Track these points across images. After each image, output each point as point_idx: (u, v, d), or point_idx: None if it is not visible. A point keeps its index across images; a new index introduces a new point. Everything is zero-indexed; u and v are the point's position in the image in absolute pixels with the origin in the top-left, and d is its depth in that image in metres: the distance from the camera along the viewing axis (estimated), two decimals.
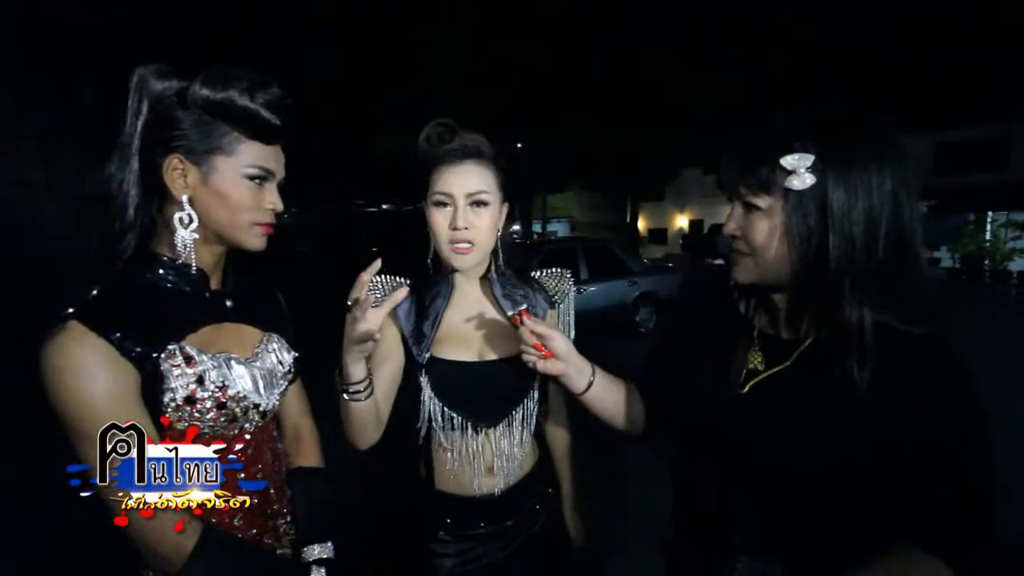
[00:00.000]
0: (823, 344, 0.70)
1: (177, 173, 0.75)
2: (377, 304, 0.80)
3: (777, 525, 0.71)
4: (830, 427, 0.68)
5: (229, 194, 0.76)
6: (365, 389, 0.87)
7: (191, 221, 0.76)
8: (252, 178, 0.78)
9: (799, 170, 0.65)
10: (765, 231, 0.69)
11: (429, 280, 1.03)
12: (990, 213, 14.46)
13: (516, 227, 18.44)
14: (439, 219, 0.96)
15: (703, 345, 0.84)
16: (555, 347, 0.83)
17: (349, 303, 0.79)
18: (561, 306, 1.11)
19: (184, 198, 0.75)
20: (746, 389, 0.76)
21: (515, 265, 1.08)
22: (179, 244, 0.76)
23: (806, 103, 0.71)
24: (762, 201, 0.69)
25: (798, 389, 0.72)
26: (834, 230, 0.65)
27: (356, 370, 0.85)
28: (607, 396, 0.89)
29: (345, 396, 0.88)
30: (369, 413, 0.91)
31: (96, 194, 0.79)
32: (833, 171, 0.65)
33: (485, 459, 1.02)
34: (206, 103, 0.73)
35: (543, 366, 0.84)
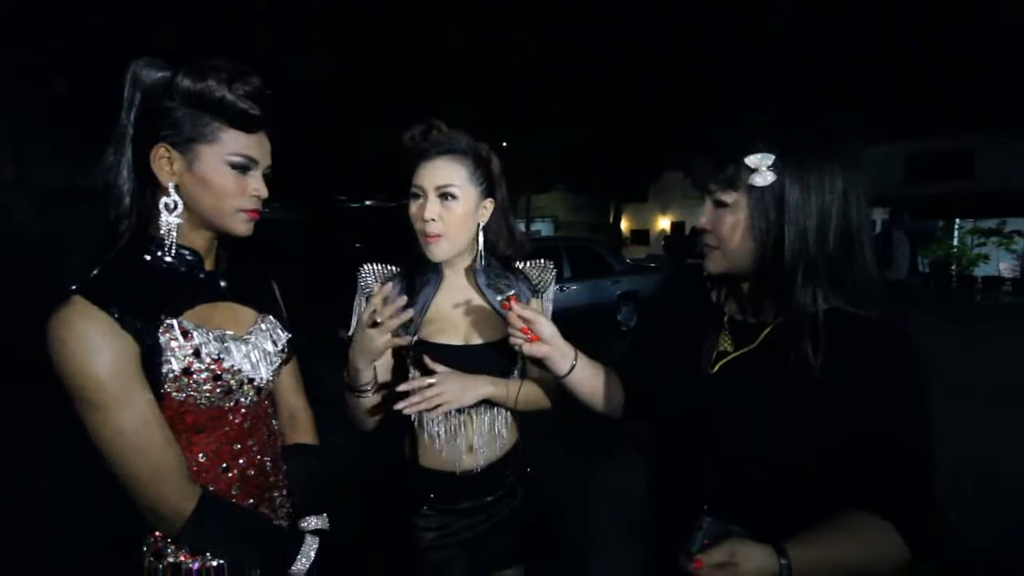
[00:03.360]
0: (784, 327, 0.76)
1: (164, 161, 0.78)
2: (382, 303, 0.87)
3: (741, 492, 0.77)
4: (789, 402, 0.74)
5: (212, 181, 0.79)
6: (372, 387, 0.99)
7: (176, 207, 0.79)
8: (235, 166, 0.80)
9: (761, 168, 0.72)
10: (731, 225, 0.76)
11: (420, 269, 1.09)
12: (957, 221, 14.99)
13: None
14: (413, 210, 1.03)
15: (679, 330, 0.90)
16: (540, 331, 0.87)
17: (366, 318, 0.87)
18: (544, 295, 1.18)
19: (170, 185, 0.78)
20: (716, 369, 0.82)
21: (501, 255, 1.13)
22: (164, 228, 0.80)
23: (773, 104, 0.77)
24: (729, 197, 0.76)
25: (762, 368, 0.78)
26: (789, 223, 0.71)
27: (366, 374, 0.96)
28: (588, 379, 0.94)
29: (356, 396, 0.99)
30: (374, 403, 1.02)
31: (70, 187, 0.80)
32: (791, 169, 0.71)
33: (466, 438, 1.07)
34: (187, 93, 0.76)
35: (529, 349, 0.88)
